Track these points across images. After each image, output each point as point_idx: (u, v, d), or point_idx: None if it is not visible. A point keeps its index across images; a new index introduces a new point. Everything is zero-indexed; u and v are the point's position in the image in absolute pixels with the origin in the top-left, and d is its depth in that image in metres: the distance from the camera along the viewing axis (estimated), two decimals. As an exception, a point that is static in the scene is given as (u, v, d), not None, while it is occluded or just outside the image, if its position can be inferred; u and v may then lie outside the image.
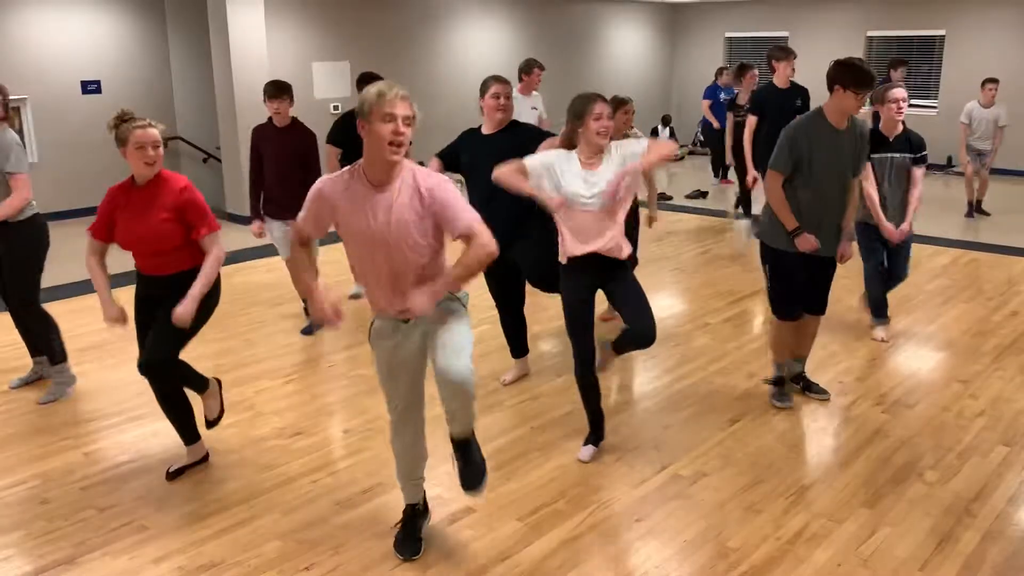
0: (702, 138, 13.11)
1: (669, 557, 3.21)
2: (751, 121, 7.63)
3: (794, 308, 4.43)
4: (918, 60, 12.69)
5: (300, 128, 5.48)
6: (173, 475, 3.79)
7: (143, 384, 4.81)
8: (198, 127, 10.24)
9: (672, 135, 13.94)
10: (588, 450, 3.99)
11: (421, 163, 3.15)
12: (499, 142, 4.35)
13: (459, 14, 11.55)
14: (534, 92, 7.53)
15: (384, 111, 2.67)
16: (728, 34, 14.59)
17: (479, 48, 11.90)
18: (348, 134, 5.86)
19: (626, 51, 14.32)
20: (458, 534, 3.36)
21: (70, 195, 9.34)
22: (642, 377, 5.02)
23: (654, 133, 13.82)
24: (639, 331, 3.75)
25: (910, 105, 7.57)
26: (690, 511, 3.51)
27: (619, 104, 5.13)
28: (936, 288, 6.58)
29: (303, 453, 4.05)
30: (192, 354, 5.22)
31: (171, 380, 3.75)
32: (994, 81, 8.93)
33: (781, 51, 7.55)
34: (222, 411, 4.01)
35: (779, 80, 7.50)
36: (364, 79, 6.02)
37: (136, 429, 4.31)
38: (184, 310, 3.45)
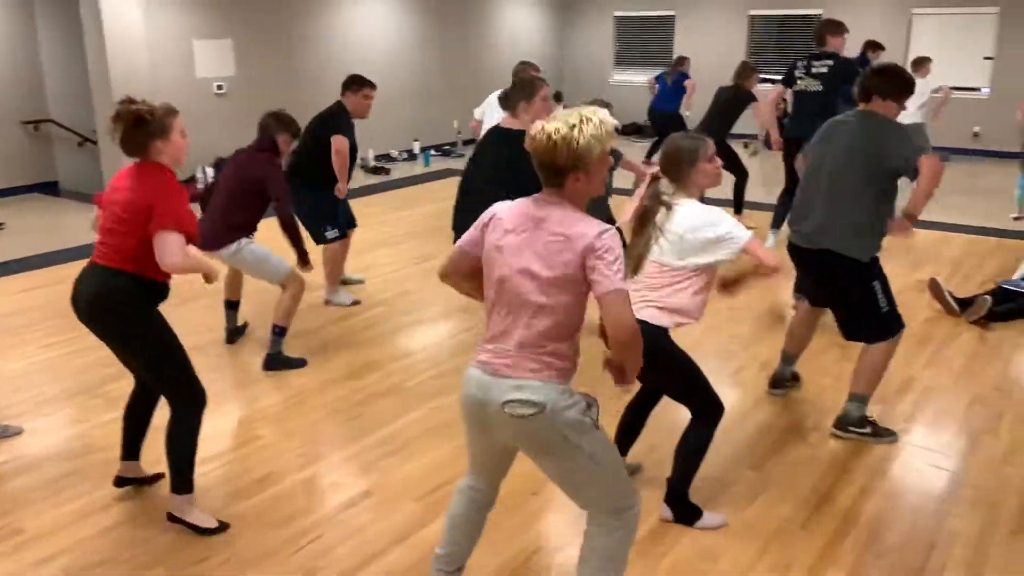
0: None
1: (566, 527, 3.26)
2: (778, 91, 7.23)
3: None
4: (801, 39, 13.16)
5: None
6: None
7: (21, 380, 4.60)
8: (72, 109, 9.72)
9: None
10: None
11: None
12: None
13: (347, -9, 11.32)
14: None
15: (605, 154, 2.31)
16: (616, 13, 14.78)
17: (368, 24, 11.69)
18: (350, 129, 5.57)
19: (517, 29, 14.33)
20: (355, 518, 3.33)
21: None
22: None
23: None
24: None
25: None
26: (586, 483, 3.58)
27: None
28: (816, 258, 6.87)
29: (193, 445, 3.92)
30: (76, 346, 5.01)
31: None
32: (929, 59, 9.56)
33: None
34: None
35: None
36: (352, 80, 5.65)
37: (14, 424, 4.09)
38: None
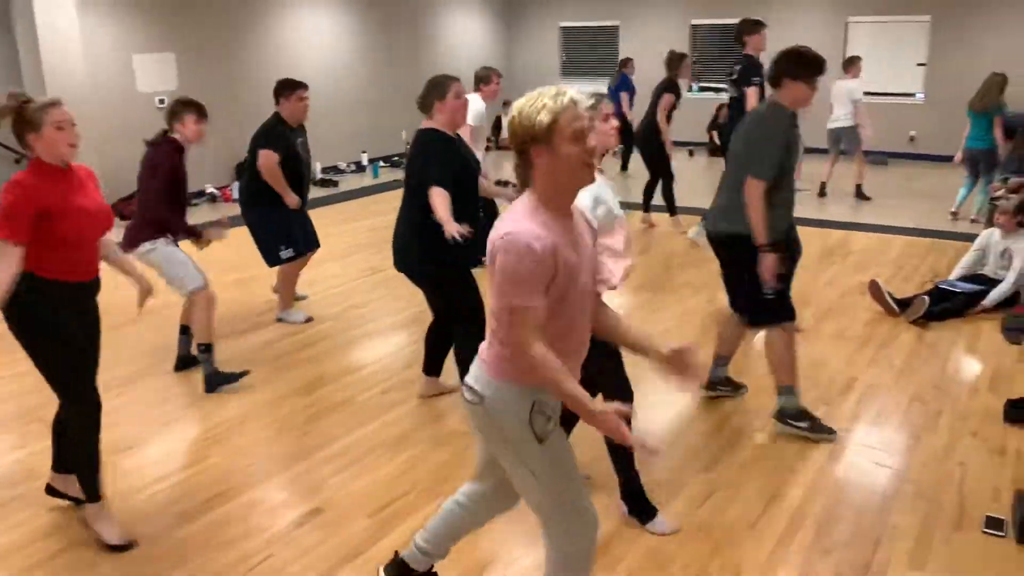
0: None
1: (517, 540, 3.27)
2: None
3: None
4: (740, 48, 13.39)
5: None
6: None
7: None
8: (7, 126, 9.45)
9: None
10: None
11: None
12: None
13: (293, 1, 11.22)
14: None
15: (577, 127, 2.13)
16: (562, 23, 14.90)
17: (313, 35, 11.61)
18: (281, 141, 5.42)
19: (463, 38, 14.36)
20: (307, 536, 3.29)
21: None
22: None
23: (497, 122, 13.95)
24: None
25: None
26: (538, 492, 3.59)
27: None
28: (761, 262, 6.98)
29: (136, 467, 3.84)
30: (17, 369, 4.87)
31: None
32: (859, 58, 9.72)
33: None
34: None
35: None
36: (284, 85, 5.51)
37: (-53, 456, 3.97)
38: None
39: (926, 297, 5.56)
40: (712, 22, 13.55)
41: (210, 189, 10.22)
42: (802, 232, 7.94)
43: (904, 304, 5.68)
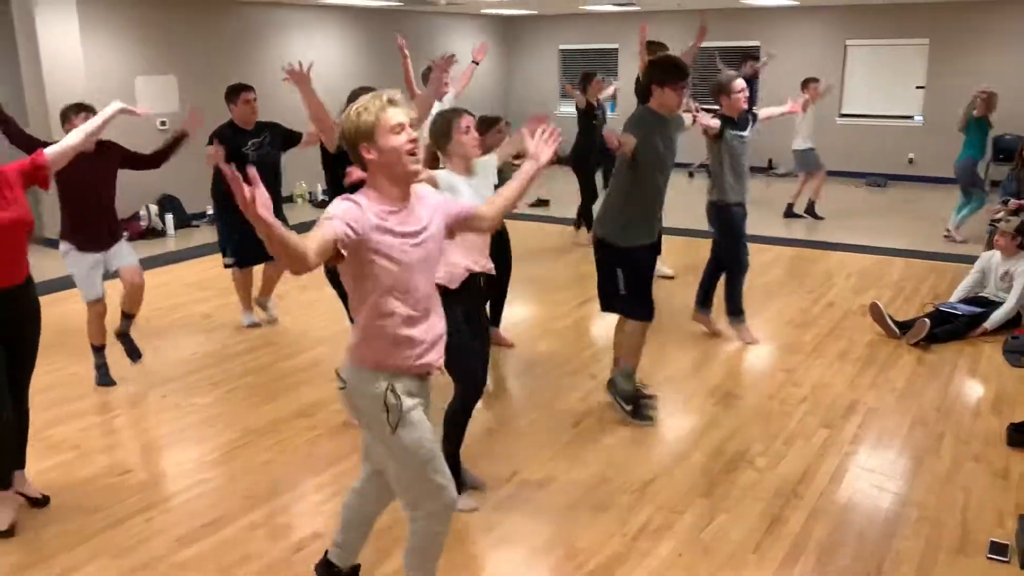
0: None
1: (520, 563, 3.24)
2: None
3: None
4: (737, 68, 13.48)
5: (111, 147, 5.04)
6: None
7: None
8: (8, 150, 9.50)
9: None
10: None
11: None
12: None
13: (291, 25, 11.29)
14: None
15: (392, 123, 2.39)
16: (562, 46, 14.99)
17: (311, 57, 11.67)
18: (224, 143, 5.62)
19: (465, 61, 14.43)
20: (306, 561, 3.26)
21: None
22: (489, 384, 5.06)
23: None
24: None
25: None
26: (540, 516, 3.57)
27: (490, 123, 5.09)
28: (761, 284, 7.00)
29: (135, 491, 3.82)
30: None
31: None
32: (815, 80, 9.64)
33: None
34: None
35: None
36: (230, 91, 5.89)
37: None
38: None
39: (927, 319, 5.55)
40: (711, 44, 13.63)
41: (210, 211, 10.23)
42: (804, 256, 8.05)
43: (905, 326, 5.68)
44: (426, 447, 2.54)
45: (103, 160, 4.87)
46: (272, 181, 5.65)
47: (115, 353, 5.15)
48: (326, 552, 3.01)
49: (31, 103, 8.56)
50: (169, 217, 9.48)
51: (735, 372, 5.20)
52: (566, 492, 3.76)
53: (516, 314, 6.41)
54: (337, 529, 2.97)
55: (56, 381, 5.09)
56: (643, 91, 4.30)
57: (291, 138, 5.89)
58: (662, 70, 4.22)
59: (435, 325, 2.58)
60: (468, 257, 3.47)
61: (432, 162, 3.62)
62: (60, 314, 6.17)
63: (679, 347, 5.61)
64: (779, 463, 4.02)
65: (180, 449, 4.24)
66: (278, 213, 5.43)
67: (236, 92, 5.80)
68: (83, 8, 8.70)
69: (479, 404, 4.41)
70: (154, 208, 9.49)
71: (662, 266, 7.43)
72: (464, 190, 3.43)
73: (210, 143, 5.57)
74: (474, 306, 3.58)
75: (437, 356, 2.59)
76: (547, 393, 4.88)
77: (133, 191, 9.40)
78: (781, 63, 13.04)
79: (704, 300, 5.84)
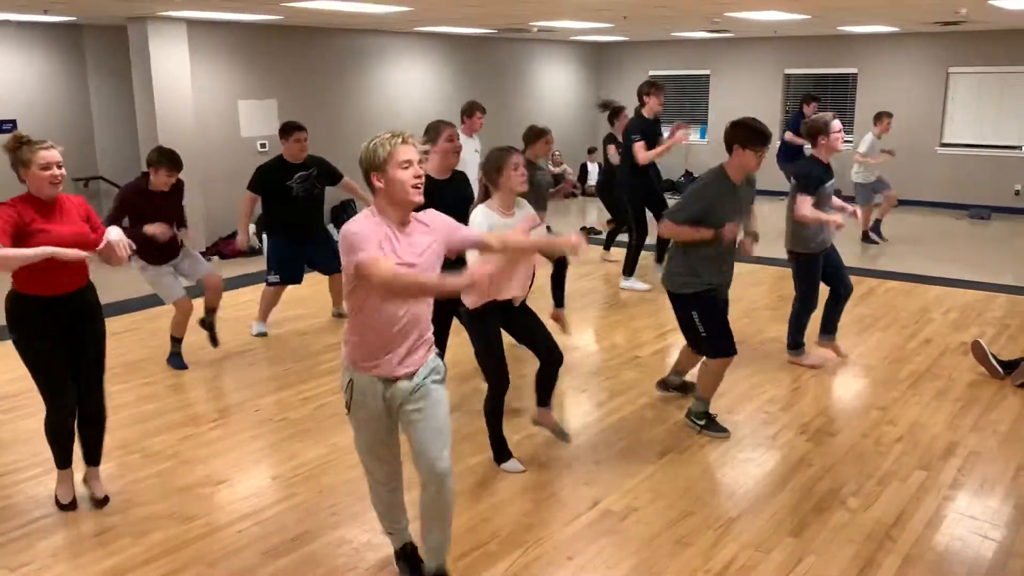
0: None
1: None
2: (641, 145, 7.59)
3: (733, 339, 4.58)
4: (835, 97, 13.22)
5: (180, 185, 5.54)
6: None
7: (60, 434, 4.67)
8: (120, 166, 10.02)
9: (599, 166, 14.13)
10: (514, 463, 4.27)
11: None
12: (451, 190, 4.62)
13: (388, 52, 11.60)
14: (475, 134, 7.57)
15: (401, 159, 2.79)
16: (652, 72, 14.95)
17: (409, 86, 11.95)
18: (267, 185, 6.15)
19: (555, 88, 14.55)
20: (389, 580, 3.31)
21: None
22: (573, 412, 5.05)
23: (583, 168, 14.04)
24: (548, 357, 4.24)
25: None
26: (621, 546, 3.53)
27: (539, 134, 5.56)
28: (855, 317, 6.80)
29: (228, 502, 3.95)
30: (114, 402, 5.08)
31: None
32: (889, 115, 9.68)
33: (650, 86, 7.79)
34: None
35: (648, 112, 7.73)
36: (283, 128, 6.28)
37: (52, 482, 4.13)
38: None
39: (1034, 360, 5.29)
40: (806, 71, 13.40)
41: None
42: (899, 290, 7.78)
43: (1010, 366, 5.42)
44: (372, 447, 3.11)
45: (175, 195, 5.48)
46: (315, 212, 6.44)
47: (201, 368, 5.32)
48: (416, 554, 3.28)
49: (141, 123, 9.00)
50: (266, 236, 9.78)
51: (827, 408, 5.06)
52: (648, 524, 3.72)
53: (600, 340, 6.39)
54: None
55: (153, 393, 5.30)
56: (728, 146, 4.45)
57: (332, 177, 6.46)
58: (736, 132, 4.37)
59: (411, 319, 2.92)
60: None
61: (484, 195, 4.10)
62: (157, 329, 6.44)
63: (769, 381, 5.49)
64: (872, 504, 3.88)
65: (271, 463, 4.36)
66: (322, 234, 6.50)
67: (290, 131, 6.21)
68: (193, 34, 9.14)
69: (567, 434, 4.46)
70: (252, 228, 9.80)
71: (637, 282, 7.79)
72: (499, 226, 3.83)
73: (252, 177, 6.24)
74: (500, 320, 4.13)
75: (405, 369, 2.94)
76: (632, 423, 4.84)
77: (232, 211, 9.76)
78: (879, 90, 12.71)
79: (827, 327, 5.83)
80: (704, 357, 4.68)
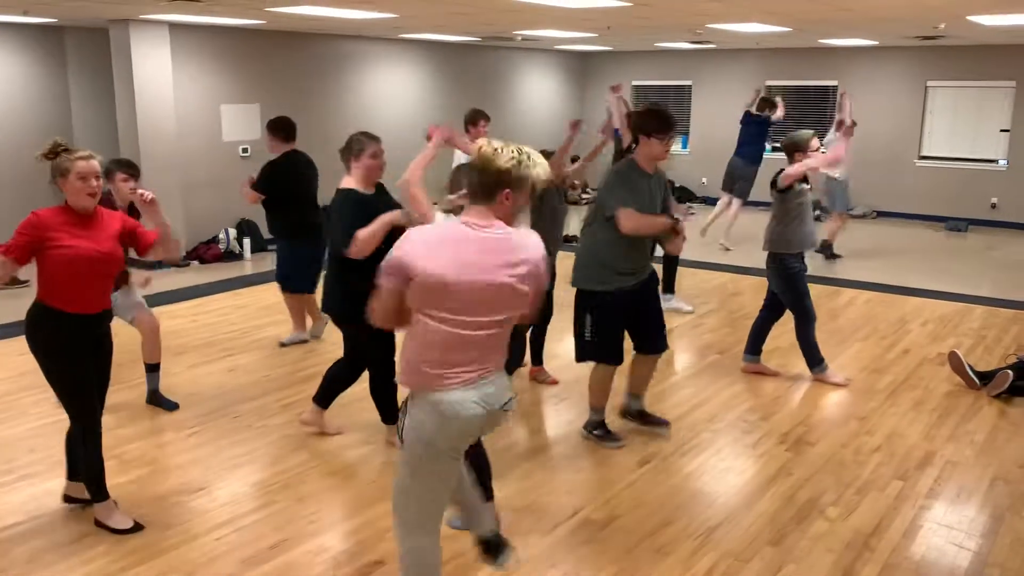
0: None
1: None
2: None
3: (621, 350, 4.50)
4: (815, 109, 13.35)
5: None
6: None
7: (36, 440, 4.61)
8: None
9: (582, 176, 14.20)
10: None
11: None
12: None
13: (372, 58, 11.59)
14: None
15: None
16: (635, 82, 15.03)
17: (392, 92, 11.95)
18: (275, 185, 6.02)
19: (539, 95, 14.59)
20: (368, 588, 3.29)
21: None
22: (553, 421, 5.05)
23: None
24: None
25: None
26: (602, 555, 3.53)
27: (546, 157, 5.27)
28: (834, 328, 6.85)
29: (206, 509, 3.91)
30: (90, 407, 5.02)
31: None
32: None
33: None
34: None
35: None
36: (278, 125, 6.22)
37: (28, 488, 4.09)
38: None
39: (1009, 371, 5.35)
40: (787, 83, 13.52)
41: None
42: (873, 298, 7.85)
43: (986, 377, 5.48)
44: (423, 478, 2.72)
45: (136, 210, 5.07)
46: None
47: (178, 375, 5.28)
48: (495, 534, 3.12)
49: (122, 126, 8.94)
50: (247, 241, 9.75)
51: (807, 418, 5.09)
52: (629, 533, 3.72)
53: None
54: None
55: (130, 399, 5.25)
56: (633, 136, 4.38)
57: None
58: (647, 119, 4.27)
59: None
60: None
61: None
62: (135, 333, 6.38)
63: (749, 391, 5.51)
64: (851, 514, 3.90)
65: (251, 470, 4.33)
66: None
67: (294, 131, 6.27)
68: (175, 37, 9.09)
69: (543, 442, 4.44)
70: (232, 232, 9.78)
71: (682, 303, 7.43)
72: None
73: (260, 177, 6.05)
74: None
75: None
76: (613, 431, 4.84)
77: (213, 216, 9.73)
78: (859, 103, 12.84)
79: (754, 350, 5.82)
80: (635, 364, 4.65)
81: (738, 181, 9.86)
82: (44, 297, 3.46)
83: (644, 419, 4.80)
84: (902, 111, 12.63)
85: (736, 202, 9.95)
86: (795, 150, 5.36)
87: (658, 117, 4.25)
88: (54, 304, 3.45)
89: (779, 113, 10.08)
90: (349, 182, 4.30)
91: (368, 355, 4.46)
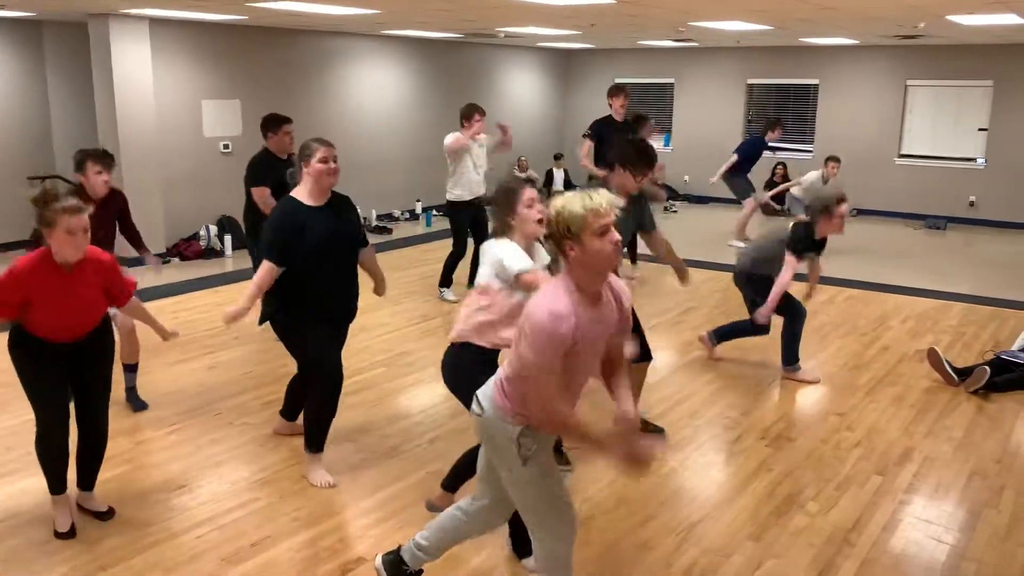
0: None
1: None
2: (588, 146, 8.10)
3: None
4: (797, 107, 13.43)
5: (117, 192, 5.05)
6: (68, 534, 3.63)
7: (12, 439, 4.57)
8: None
9: (566, 173, 14.18)
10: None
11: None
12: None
13: (354, 54, 11.54)
14: (482, 135, 7.39)
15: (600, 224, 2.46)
16: (618, 79, 15.05)
17: (375, 88, 11.90)
18: (265, 179, 5.94)
19: (521, 92, 14.58)
20: (350, 585, 3.28)
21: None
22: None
23: (548, 174, 14.08)
24: None
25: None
26: (584, 551, 3.54)
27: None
28: (816, 325, 6.89)
29: (187, 507, 3.89)
30: (68, 405, 4.98)
31: None
32: (836, 160, 10.11)
33: (616, 88, 8.17)
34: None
35: (614, 114, 8.11)
36: (271, 121, 6.11)
37: (5, 487, 4.05)
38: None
39: (987, 367, 5.41)
40: (768, 81, 13.58)
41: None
42: (854, 295, 7.91)
43: (964, 373, 5.54)
44: (550, 480, 2.77)
45: (111, 204, 5.00)
46: None
47: (158, 372, 5.24)
48: (399, 548, 3.15)
49: (101, 122, 8.85)
50: (228, 238, 9.69)
51: (787, 413, 5.12)
52: (611, 529, 3.73)
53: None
54: (428, 535, 3.07)
55: (112, 397, 5.20)
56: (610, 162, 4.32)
57: None
58: (634, 154, 4.17)
59: (582, 380, 2.78)
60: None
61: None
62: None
63: (730, 387, 5.54)
64: (831, 509, 3.93)
65: (231, 467, 4.31)
66: None
67: (279, 123, 6.03)
68: (155, 32, 9.01)
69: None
70: (213, 229, 9.72)
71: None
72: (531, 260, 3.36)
73: (253, 184, 5.97)
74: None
75: None
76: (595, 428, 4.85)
77: (194, 212, 9.66)
78: (840, 101, 12.93)
79: (720, 336, 5.94)
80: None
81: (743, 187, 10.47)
82: (23, 321, 3.42)
83: (640, 426, 4.78)
84: (882, 110, 12.72)
85: (748, 201, 10.37)
86: (822, 212, 5.21)
87: (641, 154, 4.16)
88: (31, 330, 3.43)
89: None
90: (298, 191, 4.00)
91: (307, 366, 4.26)
